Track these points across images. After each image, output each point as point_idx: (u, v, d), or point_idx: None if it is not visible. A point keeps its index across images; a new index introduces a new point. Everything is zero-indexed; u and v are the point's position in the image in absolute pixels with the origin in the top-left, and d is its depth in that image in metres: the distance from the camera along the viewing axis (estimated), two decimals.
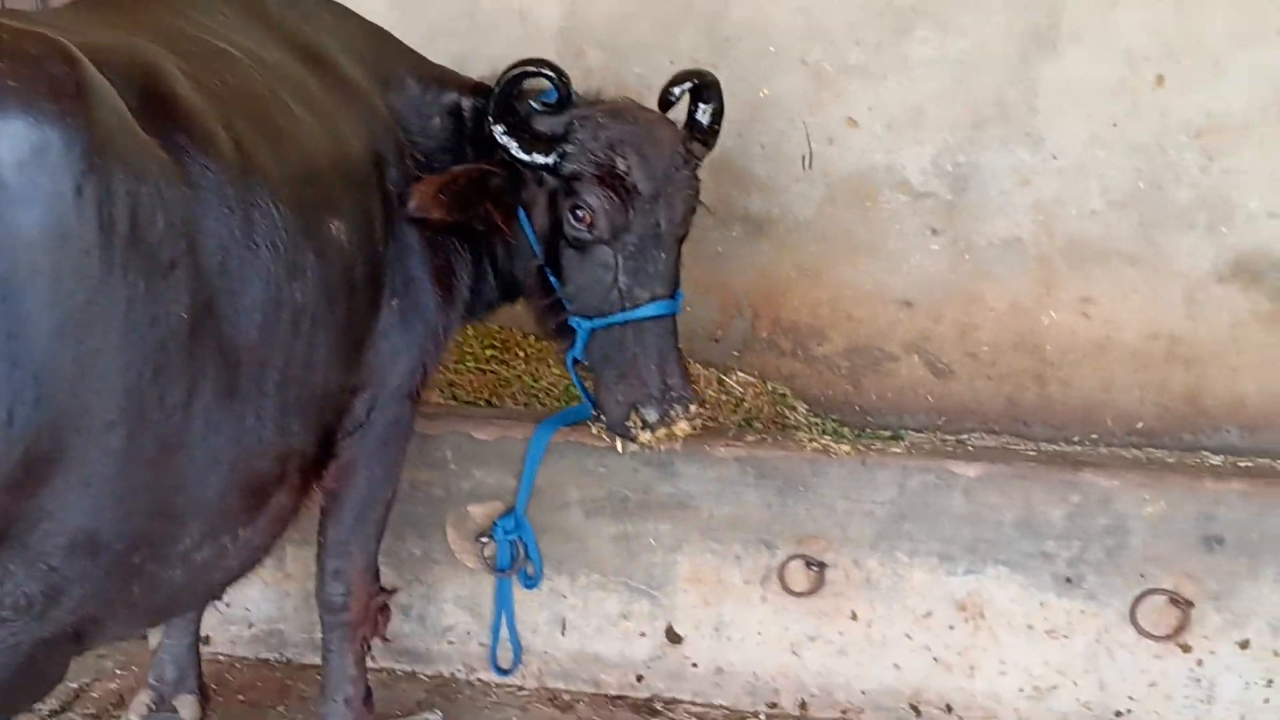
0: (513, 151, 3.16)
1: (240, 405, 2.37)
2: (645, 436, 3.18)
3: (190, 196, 2.22)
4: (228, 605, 4.19)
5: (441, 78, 3.45)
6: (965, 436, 4.61)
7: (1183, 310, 4.34)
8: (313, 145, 2.73)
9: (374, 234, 2.95)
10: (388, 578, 4.00)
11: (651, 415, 3.16)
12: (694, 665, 3.91)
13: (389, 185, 3.03)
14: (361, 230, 2.86)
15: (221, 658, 4.19)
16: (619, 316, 3.20)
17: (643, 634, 3.93)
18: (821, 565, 3.74)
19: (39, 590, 2.10)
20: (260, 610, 4.19)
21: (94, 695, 3.93)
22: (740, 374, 4.82)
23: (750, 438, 3.83)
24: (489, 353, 4.87)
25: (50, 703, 3.81)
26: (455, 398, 4.63)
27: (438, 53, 3.71)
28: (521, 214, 3.27)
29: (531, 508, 3.87)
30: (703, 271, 4.78)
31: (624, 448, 3.33)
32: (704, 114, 3.46)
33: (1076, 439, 4.51)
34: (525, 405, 4.58)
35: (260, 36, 2.96)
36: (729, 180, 4.71)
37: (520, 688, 4.01)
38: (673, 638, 3.91)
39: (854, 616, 3.77)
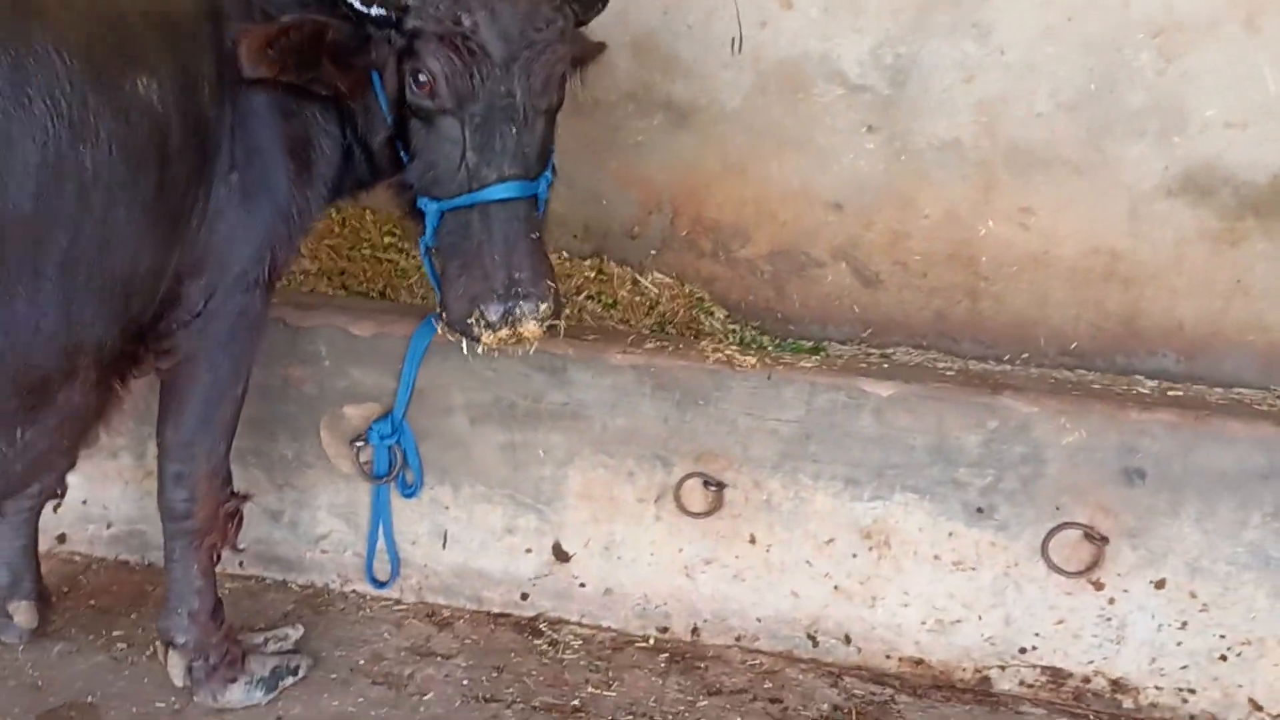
0: (352, 3, 2.73)
1: (5, 287, 2.02)
2: (488, 337, 2.80)
3: None
4: (84, 502, 3.89)
5: None
6: (891, 351, 4.36)
7: (1126, 226, 4.05)
8: None
9: (200, 95, 2.57)
10: (256, 480, 3.73)
11: (493, 313, 2.77)
12: (582, 585, 3.67)
13: (226, 40, 2.62)
14: (182, 90, 2.48)
15: (78, 557, 3.91)
16: (464, 199, 2.82)
17: (529, 550, 3.67)
18: (720, 485, 3.48)
19: None
20: (120, 510, 3.89)
21: None
22: (657, 274, 4.53)
23: (650, 345, 3.53)
24: (387, 240, 4.51)
25: None
26: (345, 287, 4.30)
27: None
28: (376, 78, 2.88)
29: (412, 411, 3.57)
30: (620, 163, 4.45)
31: (468, 349, 2.92)
32: None
33: (1007, 358, 4.26)
34: (423, 300, 4.26)
35: None
36: (652, 63, 4.33)
37: (397, 601, 3.76)
38: (560, 555, 3.66)
39: (752, 540, 3.52)
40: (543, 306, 2.79)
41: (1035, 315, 4.24)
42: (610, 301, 4.40)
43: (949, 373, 3.50)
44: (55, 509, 3.73)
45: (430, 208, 2.90)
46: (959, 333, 4.34)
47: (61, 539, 3.91)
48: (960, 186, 4.19)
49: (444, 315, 2.90)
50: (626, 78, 4.36)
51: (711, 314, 4.44)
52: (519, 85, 2.78)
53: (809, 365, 3.46)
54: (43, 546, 3.82)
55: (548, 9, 2.83)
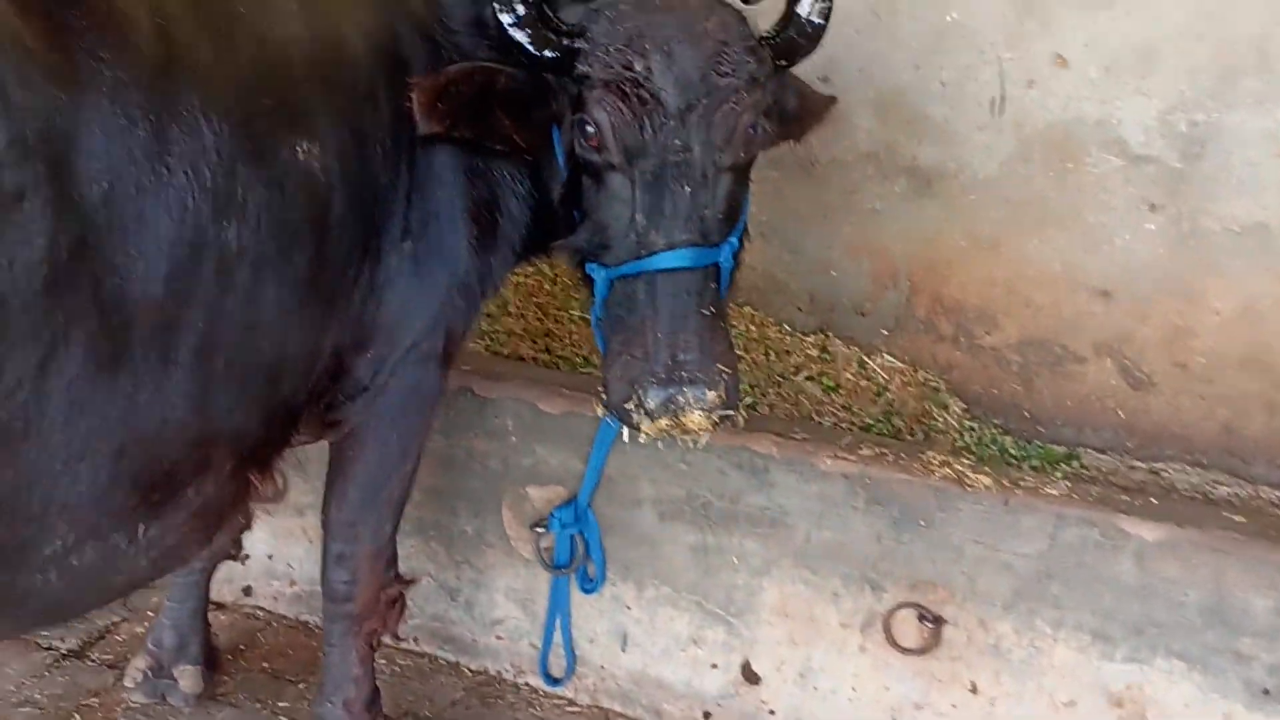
0: (523, 45, 2.45)
1: (129, 379, 1.84)
2: (647, 425, 2.41)
3: (65, 102, 1.67)
4: (270, 557, 3.81)
5: None
6: (1160, 466, 3.72)
7: None
8: (284, 42, 2.15)
9: (372, 160, 2.36)
10: (435, 554, 3.54)
11: (652, 399, 2.36)
12: (771, 713, 3.25)
13: (406, 96, 2.40)
14: (350, 155, 2.27)
15: (260, 613, 3.82)
16: (630, 266, 2.46)
17: (714, 665, 3.29)
18: (938, 620, 2.99)
19: None
20: (303, 569, 3.78)
21: (118, 638, 3.62)
22: (887, 357, 4.05)
23: (865, 450, 3.08)
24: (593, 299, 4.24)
25: (69, 641, 3.52)
26: (549, 350, 4.06)
27: None
28: (555, 131, 2.59)
29: (598, 499, 3.28)
30: (854, 231, 4.03)
31: (628, 436, 2.52)
32: (806, 6, 2.62)
33: None
34: None
35: None
36: (897, 123, 3.88)
37: (571, 702, 3.46)
38: (750, 676, 3.25)
39: (974, 689, 3.00)
40: (710, 395, 2.38)
41: None
42: (832, 384, 3.97)
43: (1238, 519, 2.85)
44: (242, 561, 3.65)
45: (599, 275, 2.57)
46: (1251, 453, 3.63)
47: (247, 591, 3.84)
48: (1262, 279, 3.52)
49: (604, 397, 2.55)
50: (866, 138, 3.93)
51: (946, 407, 3.92)
52: (696, 138, 2.43)
53: (1055, 493, 2.92)
54: (228, 598, 3.79)
55: (737, 51, 2.47)
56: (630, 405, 2.42)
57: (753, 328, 4.14)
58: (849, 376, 4.01)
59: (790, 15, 2.65)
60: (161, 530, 2.07)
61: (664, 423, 2.39)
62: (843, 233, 4.06)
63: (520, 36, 2.49)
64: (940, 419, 3.88)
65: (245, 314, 2.04)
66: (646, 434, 2.45)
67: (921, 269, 3.98)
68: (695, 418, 2.38)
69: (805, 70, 3.82)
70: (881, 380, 3.99)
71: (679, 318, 2.42)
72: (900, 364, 4.02)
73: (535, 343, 4.08)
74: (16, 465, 1.73)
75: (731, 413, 2.45)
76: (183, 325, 1.92)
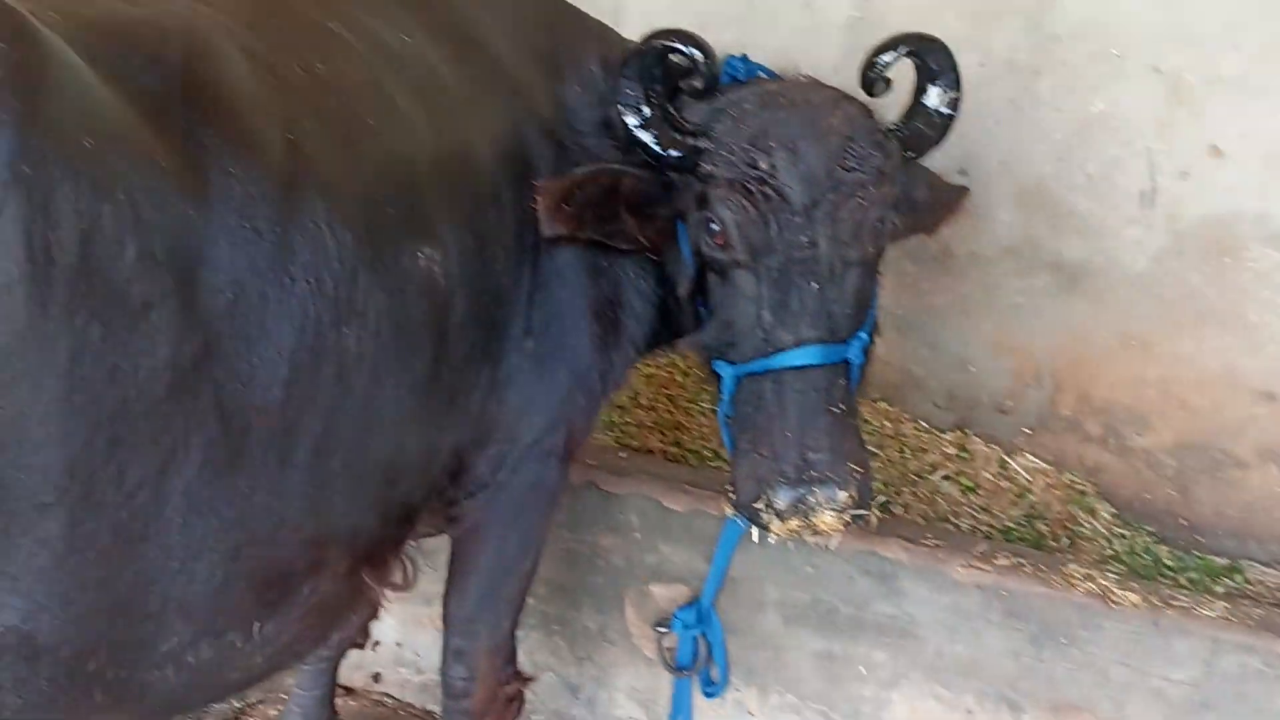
0: (650, 146, 2.48)
1: (247, 480, 1.88)
2: (776, 526, 2.35)
3: (193, 218, 1.75)
4: (399, 644, 3.84)
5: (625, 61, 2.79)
6: None
7: None
8: (411, 152, 2.21)
9: (494, 263, 2.39)
10: (558, 649, 3.51)
11: (781, 500, 2.31)
12: None
13: (531, 200, 2.44)
14: (471, 259, 2.31)
15: (389, 700, 3.86)
16: (758, 364, 2.42)
17: None
18: None
19: None
20: (430, 658, 3.78)
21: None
22: (1030, 457, 3.88)
23: (1001, 560, 2.93)
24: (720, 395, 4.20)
25: None
26: (678, 443, 4.03)
27: (710, 43, 3.11)
28: (680, 228, 2.59)
29: (722, 600, 3.20)
30: (995, 326, 3.90)
31: (757, 536, 2.45)
32: (933, 96, 2.58)
33: None
34: None
35: (400, 15, 2.47)
36: (1039, 216, 3.76)
37: None
38: None
39: None
40: (841, 495, 2.31)
41: None
42: (971, 485, 3.81)
43: None
44: (372, 648, 3.69)
45: (726, 372, 2.54)
46: None
47: (376, 678, 3.89)
48: None
49: (732, 496, 2.50)
50: (1007, 231, 3.81)
51: (1094, 512, 3.71)
52: (822, 234, 2.39)
53: (1211, 614, 2.71)
54: (358, 683, 3.85)
55: (863, 145, 2.43)
56: (759, 505, 2.37)
57: (888, 424, 4.03)
58: (989, 477, 3.85)
59: (917, 107, 2.61)
60: (276, 628, 2.10)
61: (794, 523, 2.34)
62: (983, 328, 3.92)
63: (645, 137, 2.53)
64: (1087, 525, 3.67)
65: (363, 416, 2.08)
66: (776, 535, 2.39)
67: (1067, 366, 3.81)
68: (826, 518, 2.33)
69: (941, 162, 3.77)
70: (1024, 481, 3.81)
71: (808, 416, 2.37)
72: (1044, 465, 3.84)
73: (665, 435, 4.05)
74: (136, 564, 1.79)
75: (864, 513, 2.39)
76: (300, 428, 1.96)
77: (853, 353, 2.47)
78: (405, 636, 3.84)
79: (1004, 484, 3.82)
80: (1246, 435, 3.55)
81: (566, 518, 3.31)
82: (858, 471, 2.36)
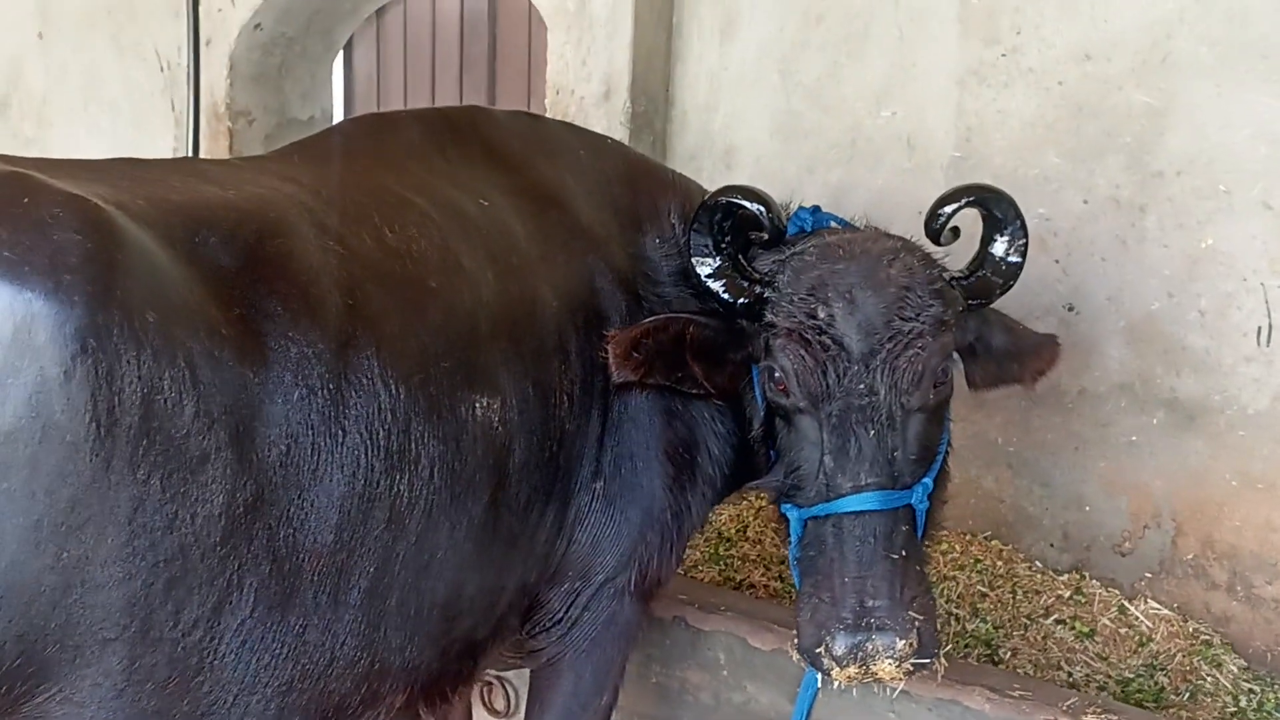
0: (719, 294, 2.62)
1: (298, 618, 2.05)
2: (836, 672, 2.34)
3: (249, 378, 1.96)
4: None
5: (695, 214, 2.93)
6: None
7: None
8: (472, 309, 2.38)
9: (557, 409, 2.53)
10: None
11: (839, 646, 2.32)
12: None
13: (598, 348, 2.59)
14: (530, 407, 2.45)
15: None
16: (820, 508, 2.45)
17: None
18: None
19: None
20: None
21: None
22: (1151, 603, 3.72)
23: (1093, 714, 2.81)
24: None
25: None
26: (781, 577, 4.04)
27: (816, 184, 3.26)
28: (755, 373, 2.67)
29: None
30: (1109, 464, 3.80)
31: (822, 682, 2.45)
32: (1000, 246, 2.61)
33: None
34: None
35: (479, 180, 2.69)
36: (1151, 353, 3.67)
37: None
38: None
39: None
40: (900, 644, 2.31)
41: None
42: (1087, 630, 3.66)
43: None
44: None
45: (793, 515, 2.57)
46: None
47: None
48: None
49: (796, 640, 2.51)
50: (1119, 368, 3.72)
51: (1220, 665, 3.50)
52: (881, 382, 2.43)
53: None
54: None
55: (920, 295, 2.47)
56: (820, 650, 2.38)
57: (999, 563, 3.93)
58: (1106, 622, 3.68)
59: (984, 256, 2.64)
60: None
61: (852, 670, 2.34)
62: (1098, 466, 3.81)
63: (715, 286, 2.65)
64: (1211, 678, 3.46)
65: (418, 558, 2.22)
66: (837, 680, 2.40)
67: (1188, 508, 3.65)
68: (885, 666, 2.32)
69: (1049, 299, 3.76)
70: (1145, 629, 3.64)
71: (866, 563, 2.38)
72: (1166, 612, 3.66)
73: (769, 569, 4.07)
74: (191, 697, 1.96)
75: (927, 661, 2.37)
76: (352, 569, 2.11)
77: (916, 498, 2.47)
78: None
79: (1123, 630, 3.65)
80: None
81: (657, 652, 3.36)
82: (918, 619, 2.35)
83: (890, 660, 2.32)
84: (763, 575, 4.03)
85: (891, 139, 4.14)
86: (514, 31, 5.70)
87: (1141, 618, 3.66)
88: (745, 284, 2.63)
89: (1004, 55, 3.88)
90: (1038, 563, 3.92)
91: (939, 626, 2.51)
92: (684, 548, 3.00)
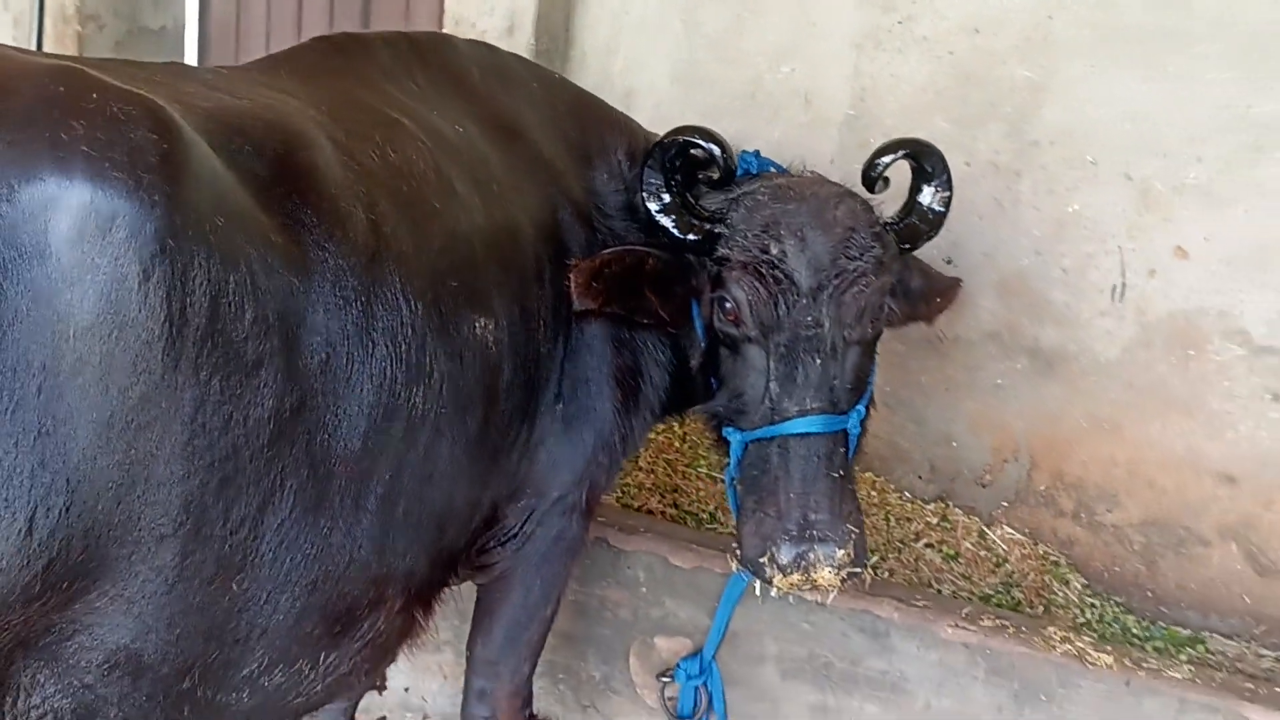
0: (670, 230, 2.77)
1: (327, 522, 2.09)
2: (779, 580, 2.56)
3: (296, 286, 1.98)
4: (406, 690, 4.00)
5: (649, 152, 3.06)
6: None
7: None
8: (469, 232, 2.46)
9: (536, 333, 2.64)
10: (563, 697, 3.69)
11: (784, 555, 2.53)
12: None
13: (565, 278, 2.70)
14: (517, 329, 2.55)
15: None
16: (765, 431, 2.66)
17: None
18: None
19: (70, 708, 1.90)
20: (437, 703, 3.96)
21: None
22: (1007, 529, 4.14)
23: (986, 621, 3.17)
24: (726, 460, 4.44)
25: None
26: (676, 505, 4.25)
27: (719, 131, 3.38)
28: (694, 305, 2.85)
29: (722, 654, 3.41)
30: (977, 405, 4.17)
31: (759, 590, 2.69)
32: (927, 195, 2.87)
33: None
34: None
35: (449, 106, 2.74)
36: (1019, 305, 4.06)
37: None
38: None
39: None
40: (839, 553, 2.54)
41: None
42: (952, 553, 4.06)
43: None
44: (380, 692, 3.84)
45: (735, 438, 2.78)
46: None
47: None
48: None
49: (738, 551, 2.72)
50: (990, 318, 4.11)
51: (1067, 582, 3.97)
52: (827, 315, 2.65)
53: (1180, 676, 2.95)
54: None
55: (863, 237, 2.71)
56: (763, 560, 2.58)
57: (874, 493, 4.28)
58: (968, 546, 4.09)
59: (913, 204, 2.90)
60: (339, 658, 2.29)
61: (795, 578, 2.55)
62: (966, 407, 4.20)
63: (666, 222, 2.80)
64: (1060, 594, 3.93)
65: (423, 468, 2.29)
66: (778, 588, 2.61)
67: (1042, 445, 4.09)
68: (825, 574, 2.54)
69: (929, 253, 4.07)
70: (1001, 551, 4.07)
71: (810, 480, 2.60)
72: (1020, 536, 4.10)
73: (664, 497, 4.28)
74: (231, 593, 1.98)
75: (859, 570, 2.61)
76: (372, 476, 2.17)
77: (851, 424, 2.71)
78: (413, 683, 4.00)
79: (983, 553, 4.07)
80: (1208, 514, 3.82)
81: (576, 571, 3.50)
82: (854, 532, 2.59)
83: (830, 568, 2.54)
84: (659, 503, 4.23)
85: (789, 94, 4.38)
86: None
87: (999, 542, 4.09)
88: (695, 221, 2.79)
89: (900, 22, 4.17)
90: (907, 493, 4.29)
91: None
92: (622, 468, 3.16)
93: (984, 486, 4.21)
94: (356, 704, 3.53)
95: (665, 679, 3.47)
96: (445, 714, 3.97)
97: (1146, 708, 2.91)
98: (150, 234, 1.70)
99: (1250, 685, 2.98)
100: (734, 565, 2.79)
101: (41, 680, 1.86)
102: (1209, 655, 3.64)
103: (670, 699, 3.48)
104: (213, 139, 1.95)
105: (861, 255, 2.70)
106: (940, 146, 2.93)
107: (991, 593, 3.93)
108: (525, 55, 4.47)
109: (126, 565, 1.82)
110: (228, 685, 2.09)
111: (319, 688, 2.32)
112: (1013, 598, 3.91)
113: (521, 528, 2.86)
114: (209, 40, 6.20)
